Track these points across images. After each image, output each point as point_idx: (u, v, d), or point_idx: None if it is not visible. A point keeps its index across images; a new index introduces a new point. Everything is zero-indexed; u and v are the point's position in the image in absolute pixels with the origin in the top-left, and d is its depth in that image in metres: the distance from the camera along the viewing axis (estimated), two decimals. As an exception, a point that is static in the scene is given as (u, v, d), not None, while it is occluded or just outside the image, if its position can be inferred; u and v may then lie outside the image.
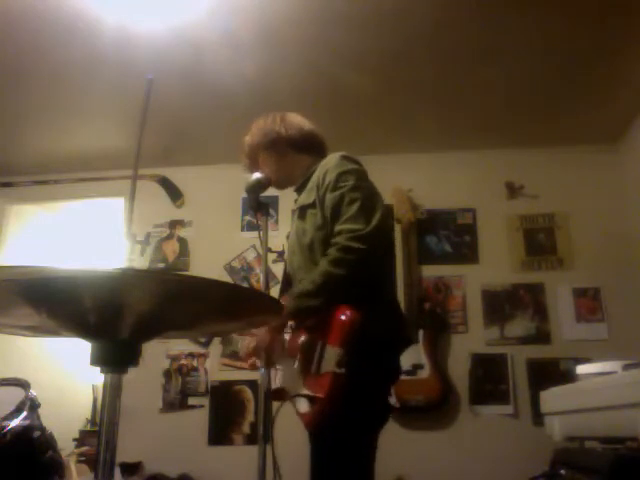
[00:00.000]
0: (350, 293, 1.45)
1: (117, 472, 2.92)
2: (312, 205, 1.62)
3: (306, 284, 1.48)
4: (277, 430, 1.47)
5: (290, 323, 1.60)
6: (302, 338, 1.51)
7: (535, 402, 2.88)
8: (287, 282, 1.80)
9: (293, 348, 1.55)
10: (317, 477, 1.46)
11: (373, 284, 1.53)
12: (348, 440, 1.41)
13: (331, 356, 1.37)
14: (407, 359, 2.91)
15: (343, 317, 1.39)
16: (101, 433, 0.93)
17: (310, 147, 1.81)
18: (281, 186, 1.86)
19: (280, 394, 1.61)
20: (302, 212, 1.67)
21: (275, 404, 1.60)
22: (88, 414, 3.89)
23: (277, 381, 1.65)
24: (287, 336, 1.63)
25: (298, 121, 1.84)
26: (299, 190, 1.79)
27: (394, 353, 1.57)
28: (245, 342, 1.71)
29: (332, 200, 1.53)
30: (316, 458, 1.48)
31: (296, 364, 1.51)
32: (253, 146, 1.84)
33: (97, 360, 0.92)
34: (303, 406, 1.44)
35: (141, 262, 3.65)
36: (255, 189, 1.72)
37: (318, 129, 1.87)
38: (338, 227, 1.49)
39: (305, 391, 1.44)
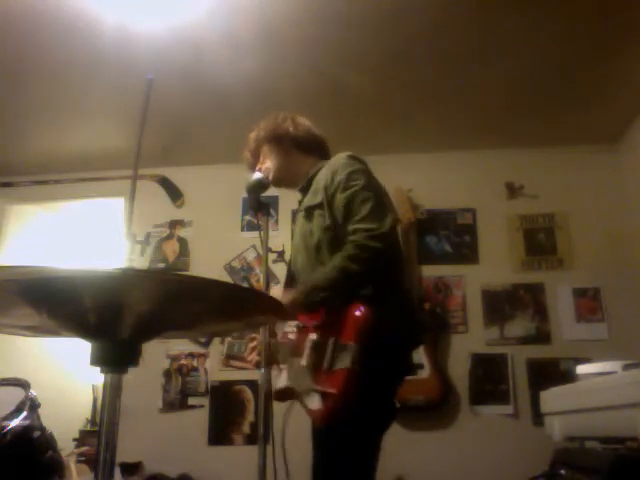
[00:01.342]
0: (363, 290, 1.46)
1: (117, 472, 2.92)
2: (319, 206, 1.62)
3: (320, 277, 1.49)
4: (286, 430, 1.47)
5: (298, 323, 1.60)
6: (312, 336, 1.51)
7: (535, 402, 2.87)
8: (290, 282, 1.80)
9: (299, 346, 1.54)
10: (322, 473, 1.46)
11: (386, 282, 1.53)
12: (357, 437, 1.41)
13: (345, 352, 1.37)
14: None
15: (358, 313, 1.39)
16: (101, 433, 0.93)
17: (315, 149, 1.82)
18: (279, 184, 1.86)
19: (286, 394, 1.61)
20: (308, 213, 1.66)
21: (279, 404, 1.59)
22: (88, 414, 3.89)
23: (281, 381, 1.64)
24: (293, 335, 1.62)
25: (307, 124, 1.86)
26: (303, 191, 1.79)
27: (407, 351, 1.58)
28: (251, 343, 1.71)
29: (344, 200, 1.54)
30: (322, 454, 1.48)
31: (303, 362, 1.50)
32: (259, 139, 1.84)
33: (97, 360, 0.92)
34: (314, 402, 1.43)
35: (141, 262, 3.64)
36: (255, 189, 1.72)
37: (324, 134, 1.88)
38: (352, 226, 1.50)
39: (317, 387, 1.44)
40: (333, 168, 1.62)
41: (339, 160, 1.63)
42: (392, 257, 1.54)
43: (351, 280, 1.46)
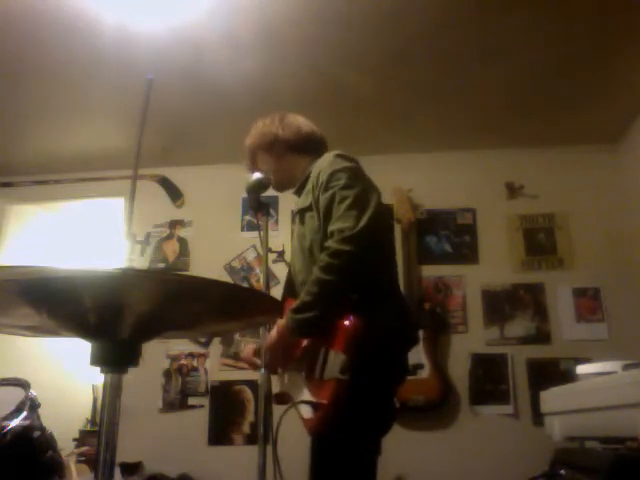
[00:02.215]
0: (350, 296, 1.44)
1: (117, 472, 2.92)
2: (309, 208, 1.61)
3: (303, 296, 1.45)
4: (280, 432, 1.47)
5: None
6: (305, 343, 1.51)
7: (535, 402, 2.87)
8: (289, 284, 1.80)
9: (295, 351, 1.54)
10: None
11: (373, 283, 1.51)
12: (351, 445, 1.40)
13: (335, 362, 1.36)
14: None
15: (347, 322, 1.38)
16: (101, 433, 0.93)
17: (309, 148, 1.78)
18: (281, 188, 1.85)
19: (283, 398, 1.61)
20: (301, 216, 1.66)
21: (278, 407, 1.59)
22: (88, 414, 3.89)
23: (281, 384, 1.64)
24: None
25: (297, 122, 1.82)
26: (298, 192, 1.78)
27: (399, 355, 1.54)
28: (249, 346, 1.71)
29: (324, 201, 1.52)
30: (317, 462, 1.47)
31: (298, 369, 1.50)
32: (252, 148, 1.84)
33: (97, 360, 0.92)
34: (306, 412, 1.43)
35: (141, 262, 3.64)
36: (255, 189, 1.72)
37: (319, 130, 1.85)
38: (330, 228, 1.47)
39: (308, 397, 1.44)
40: (319, 169, 1.60)
41: (325, 160, 1.62)
42: (375, 257, 1.49)
43: (331, 291, 1.42)
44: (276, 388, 1.65)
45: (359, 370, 1.34)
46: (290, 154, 1.79)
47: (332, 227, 1.46)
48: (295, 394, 1.54)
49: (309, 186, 1.64)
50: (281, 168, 1.79)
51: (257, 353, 1.58)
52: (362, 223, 1.42)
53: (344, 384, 1.33)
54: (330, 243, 1.44)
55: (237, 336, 3.38)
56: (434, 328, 3.19)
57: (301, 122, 1.83)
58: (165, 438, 3.24)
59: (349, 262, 1.41)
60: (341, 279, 1.42)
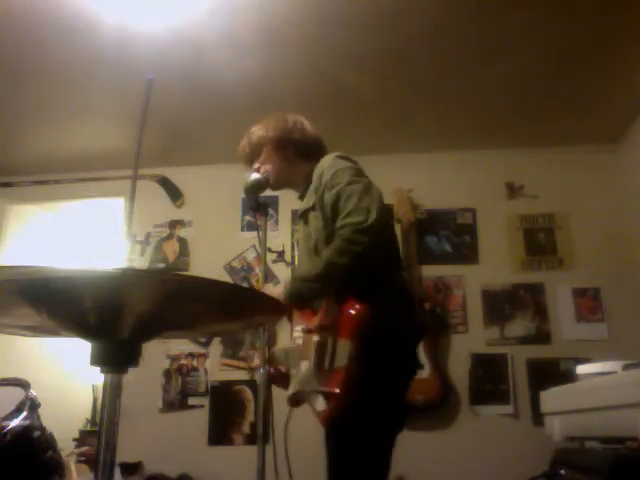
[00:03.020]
0: (357, 286, 1.46)
1: (117, 472, 2.92)
2: (313, 208, 1.64)
3: (310, 269, 1.51)
4: (290, 429, 1.47)
5: (303, 326, 1.59)
6: (315, 338, 1.51)
7: (535, 402, 2.88)
8: None
9: (306, 349, 1.55)
10: (336, 474, 1.46)
11: (381, 276, 1.53)
12: (365, 435, 1.41)
13: (343, 350, 1.38)
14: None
15: (352, 311, 1.40)
16: (101, 433, 0.93)
17: (315, 154, 1.80)
18: (277, 187, 1.86)
19: (297, 399, 1.60)
20: (305, 217, 1.69)
21: (279, 404, 1.59)
22: (88, 414, 3.89)
23: (291, 386, 1.64)
24: (300, 340, 1.63)
25: (312, 130, 1.85)
26: (302, 197, 1.80)
27: (408, 345, 1.57)
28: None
29: (331, 198, 1.55)
30: (334, 455, 1.47)
31: (309, 364, 1.50)
32: (263, 138, 1.82)
33: (97, 360, 0.92)
34: (319, 404, 1.43)
35: (141, 262, 3.64)
36: (254, 190, 1.73)
37: (322, 135, 1.87)
38: (340, 222, 1.50)
39: (320, 388, 1.44)
40: (321, 170, 1.63)
41: (326, 161, 1.65)
42: (384, 250, 1.54)
43: (340, 273, 1.46)
44: (278, 390, 1.65)
45: (368, 357, 1.36)
46: (297, 159, 1.80)
47: (344, 221, 1.48)
48: (306, 389, 1.53)
49: (311, 188, 1.66)
50: (285, 169, 1.81)
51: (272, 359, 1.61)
52: (372, 216, 1.46)
53: (352, 371, 1.34)
54: (344, 232, 1.46)
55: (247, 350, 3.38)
56: (434, 328, 3.19)
57: (314, 130, 1.86)
58: (165, 438, 3.23)
59: (363, 251, 1.44)
60: (351, 265, 1.45)
